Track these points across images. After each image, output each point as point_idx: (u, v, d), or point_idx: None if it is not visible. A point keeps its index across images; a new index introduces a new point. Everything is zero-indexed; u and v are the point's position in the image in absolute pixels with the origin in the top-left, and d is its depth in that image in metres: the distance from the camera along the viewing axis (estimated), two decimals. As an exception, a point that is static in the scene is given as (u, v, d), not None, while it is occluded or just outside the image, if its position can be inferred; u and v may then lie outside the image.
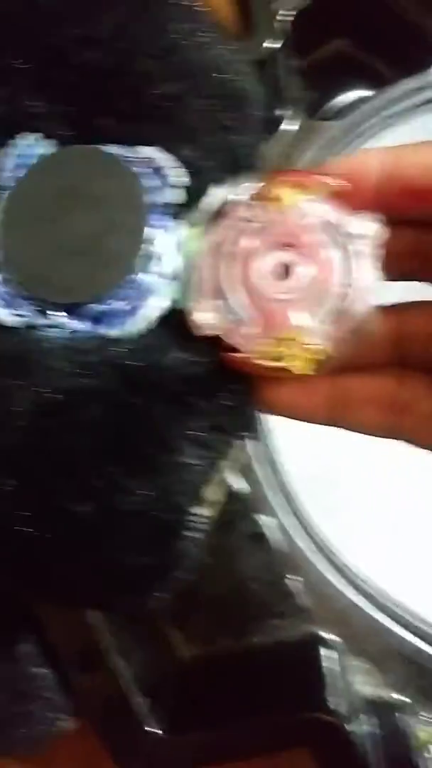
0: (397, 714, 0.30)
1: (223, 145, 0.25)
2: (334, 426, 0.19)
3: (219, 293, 0.19)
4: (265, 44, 0.35)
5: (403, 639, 0.31)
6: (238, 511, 0.32)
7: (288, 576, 0.31)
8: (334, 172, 0.18)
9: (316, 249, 0.18)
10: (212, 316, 0.19)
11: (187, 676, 0.30)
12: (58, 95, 0.22)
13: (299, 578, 0.31)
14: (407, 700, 0.30)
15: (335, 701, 0.28)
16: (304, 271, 0.18)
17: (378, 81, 0.40)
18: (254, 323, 0.18)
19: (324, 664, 0.30)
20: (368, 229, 0.18)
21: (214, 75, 0.24)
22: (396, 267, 0.19)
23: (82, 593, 0.19)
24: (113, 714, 0.28)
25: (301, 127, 0.38)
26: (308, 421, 0.19)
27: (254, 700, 0.29)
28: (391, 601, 0.31)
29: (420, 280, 0.19)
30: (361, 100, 0.39)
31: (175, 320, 0.20)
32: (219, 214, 0.19)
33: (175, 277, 0.21)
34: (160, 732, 0.28)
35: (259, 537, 0.32)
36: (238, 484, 0.33)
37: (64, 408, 0.18)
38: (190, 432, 0.19)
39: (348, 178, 0.18)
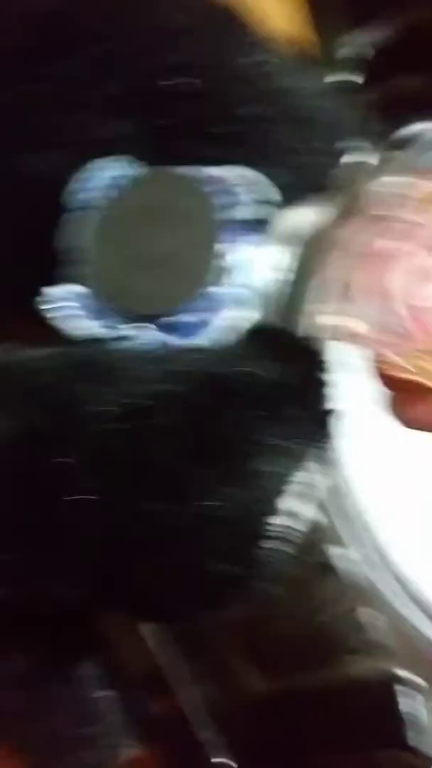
0: None
1: (298, 167, 0.25)
2: None
3: (347, 296, 0.17)
4: (339, 77, 0.36)
5: None
6: (310, 542, 0.32)
7: (359, 609, 0.30)
8: None
9: None
10: (339, 318, 0.17)
11: (259, 710, 0.29)
12: (143, 118, 0.23)
13: (371, 611, 0.30)
14: None
15: (416, 739, 0.26)
16: None
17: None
18: (392, 330, 0.17)
19: (402, 703, 0.28)
20: None
21: (292, 100, 0.25)
22: None
23: (161, 600, 0.19)
24: (180, 742, 0.27)
25: (372, 155, 0.39)
26: None
27: (329, 736, 0.28)
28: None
29: None
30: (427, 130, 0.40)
31: (258, 332, 0.20)
32: (350, 210, 0.18)
33: (258, 291, 0.21)
34: (230, 764, 0.27)
35: (329, 568, 0.31)
36: (311, 514, 0.32)
37: (146, 412, 0.19)
38: (269, 439, 0.19)
39: None
